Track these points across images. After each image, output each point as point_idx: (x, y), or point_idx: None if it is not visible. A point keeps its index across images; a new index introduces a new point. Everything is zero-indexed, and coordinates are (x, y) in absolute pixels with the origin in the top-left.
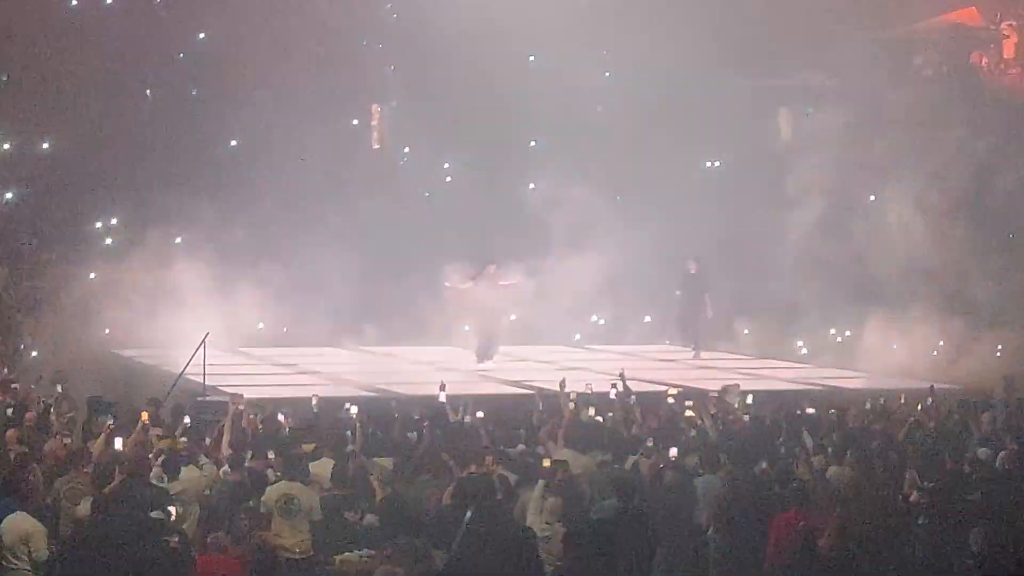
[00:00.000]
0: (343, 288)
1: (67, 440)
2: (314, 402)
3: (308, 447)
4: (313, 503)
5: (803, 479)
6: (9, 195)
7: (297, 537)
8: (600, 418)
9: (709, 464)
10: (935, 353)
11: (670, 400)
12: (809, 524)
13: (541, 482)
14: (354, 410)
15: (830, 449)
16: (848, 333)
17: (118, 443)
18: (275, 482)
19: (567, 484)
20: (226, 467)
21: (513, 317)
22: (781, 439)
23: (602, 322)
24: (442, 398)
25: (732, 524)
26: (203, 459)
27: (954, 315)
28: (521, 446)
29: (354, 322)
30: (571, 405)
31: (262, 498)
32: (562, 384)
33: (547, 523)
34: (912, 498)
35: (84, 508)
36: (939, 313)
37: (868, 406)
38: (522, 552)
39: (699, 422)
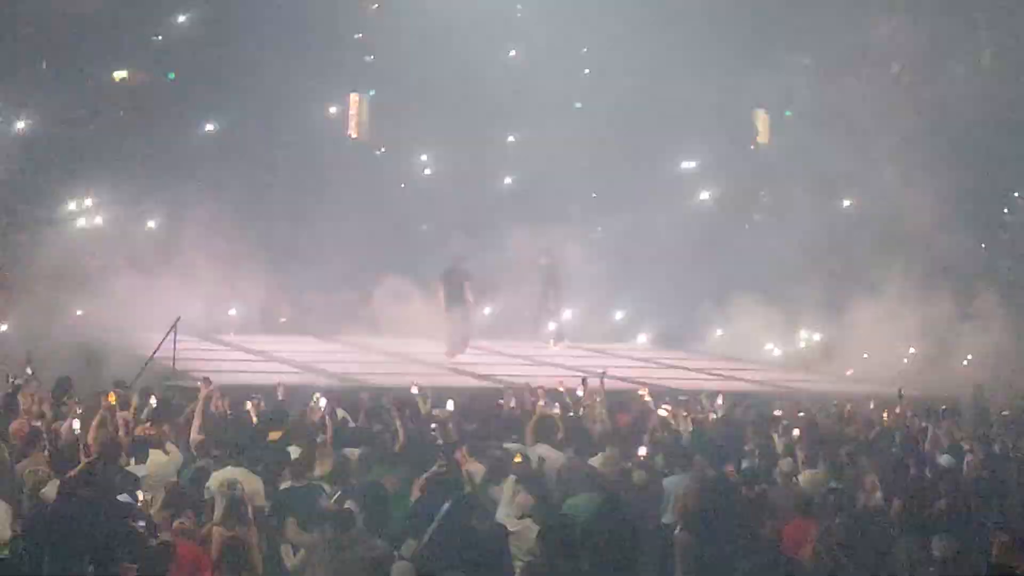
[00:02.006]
0: (318, 276)
1: (36, 423)
2: (280, 390)
3: (275, 435)
4: (257, 488)
5: (773, 482)
6: None
7: None
8: (571, 414)
9: (679, 464)
10: (905, 361)
11: (644, 398)
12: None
13: (511, 477)
14: (323, 403)
15: (800, 453)
16: (817, 337)
17: (76, 426)
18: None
19: (537, 480)
20: (193, 452)
21: (487, 311)
22: (750, 441)
23: (569, 315)
24: (414, 390)
25: (700, 524)
26: (170, 445)
27: (925, 322)
28: (493, 441)
29: (328, 311)
30: (540, 402)
31: (206, 483)
32: (584, 382)
33: (517, 518)
34: (874, 503)
35: (50, 491)
36: (910, 320)
37: (835, 410)
38: (493, 546)
39: (672, 422)
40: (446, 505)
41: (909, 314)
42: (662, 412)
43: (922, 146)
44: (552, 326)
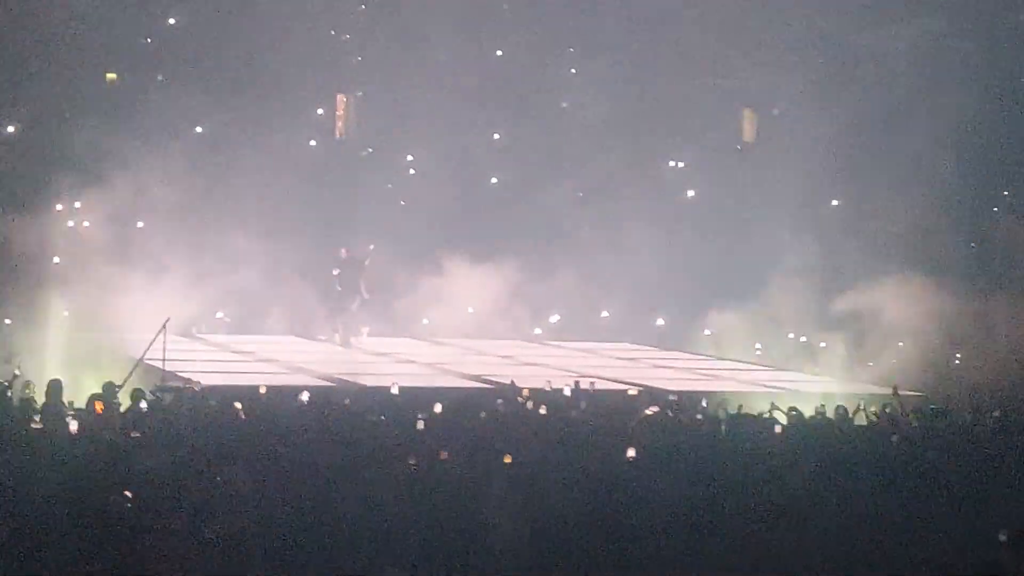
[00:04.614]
0: (302, 277)
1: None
2: (262, 391)
3: None
4: (246, 486)
5: (764, 483)
6: None
7: None
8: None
9: (671, 466)
10: (894, 361)
11: (631, 395)
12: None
13: (502, 477)
14: (305, 396)
15: (793, 454)
16: (804, 339)
17: (74, 428)
18: None
19: (528, 480)
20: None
21: (471, 310)
22: (743, 442)
23: (557, 319)
24: (394, 390)
25: (692, 528)
26: (155, 447)
27: (918, 322)
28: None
29: (312, 311)
30: (528, 403)
31: None
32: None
33: (509, 518)
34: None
35: (41, 491)
36: (903, 319)
37: (821, 408)
38: (482, 548)
39: (661, 423)
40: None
41: (899, 313)
42: (648, 412)
43: (912, 145)
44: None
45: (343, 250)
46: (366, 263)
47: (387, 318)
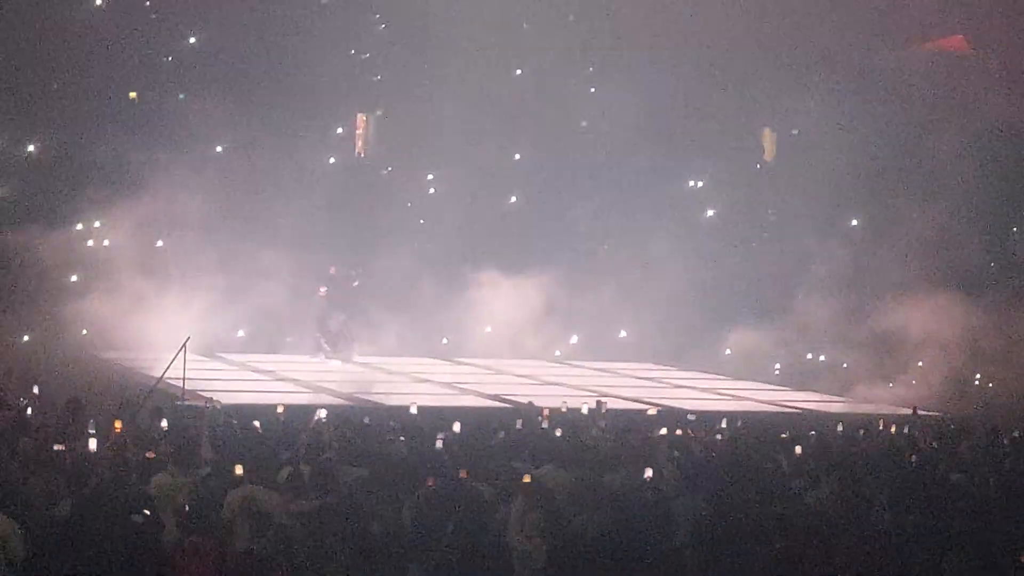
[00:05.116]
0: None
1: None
2: (280, 410)
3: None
4: (275, 505)
5: (783, 503)
6: None
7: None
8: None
9: (690, 486)
10: (913, 382)
11: (650, 415)
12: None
13: (521, 497)
14: (323, 413)
15: (812, 474)
16: (823, 358)
17: (92, 445)
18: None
19: (547, 500)
20: (203, 471)
21: (488, 330)
22: (761, 462)
23: (575, 340)
24: (413, 410)
25: (711, 547)
26: (172, 467)
27: (939, 340)
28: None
29: (333, 330)
30: (545, 423)
31: (226, 500)
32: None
33: (528, 538)
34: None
35: (63, 509)
36: (924, 338)
37: (841, 429)
38: (502, 567)
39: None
40: (450, 526)
41: (920, 331)
42: (663, 431)
43: (929, 163)
44: (328, 342)
45: (331, 268)
46: (354, 284)
47: (406, 337)
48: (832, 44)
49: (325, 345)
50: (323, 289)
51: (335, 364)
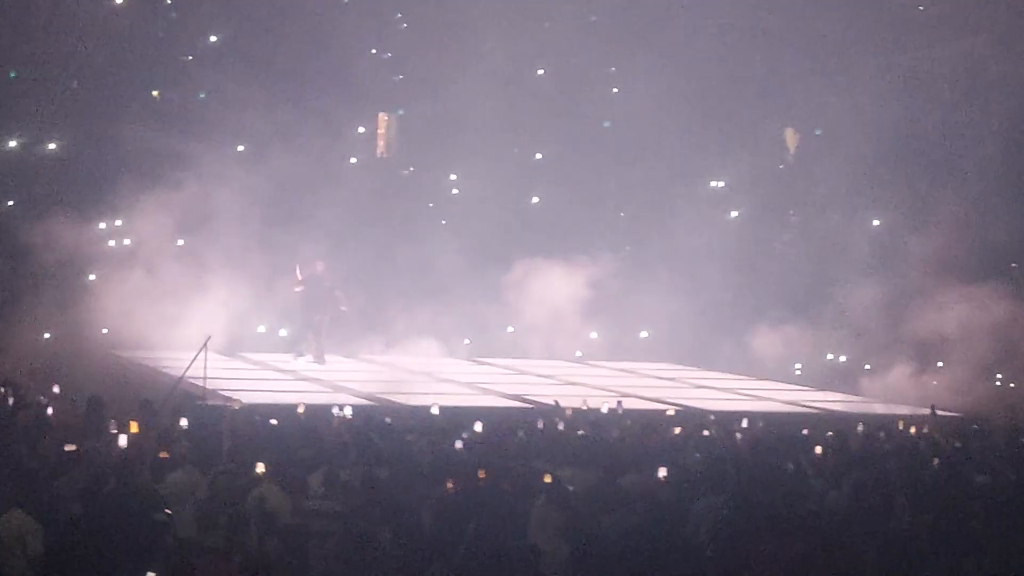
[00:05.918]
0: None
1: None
2: (300, 410)
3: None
4: (283, 505)
5: (804, 503)
6: (11, 202)
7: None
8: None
9: (711, 486)
10: (934, 383)
11: (669, 415)
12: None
13: (543, 497)
14: (348, 411)
15: (832, 474)
16: (844, 359)
17: (123, 442)
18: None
19: (568, 499)
20: (221, 469)
21: (511, 329)
22: (783, 462)
23: (595, 336)
24: (434, 410)
25: (732, 547)
26: (190, 466)
27: (954, 342)
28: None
29: (355, 330)
30: (561, 425)
31: (238, 501)
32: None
33: (550, 538)
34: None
35: (79, 507)
36: (944, 338)
37: (861, 429)
38: (524, 568)
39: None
40: (471, 526)
41: (937, 333)
42: (677, 430)
43: (954, 164)
44: (307, 341)
45: (319, 263)
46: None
47: (427, 337)
48: (856, 42)
49: (313, 344)
50: (297, 289)
51: (301, 363)
